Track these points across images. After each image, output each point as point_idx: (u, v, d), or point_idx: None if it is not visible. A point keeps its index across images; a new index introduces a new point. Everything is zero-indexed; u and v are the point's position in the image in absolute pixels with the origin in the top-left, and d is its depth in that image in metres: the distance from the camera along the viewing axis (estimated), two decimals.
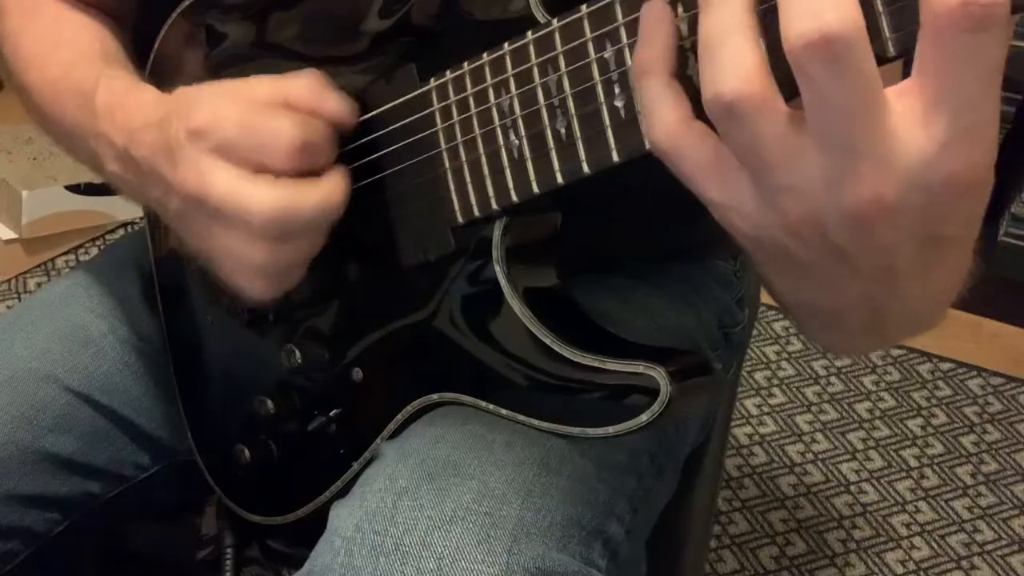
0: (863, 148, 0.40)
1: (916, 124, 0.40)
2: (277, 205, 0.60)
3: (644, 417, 0.57)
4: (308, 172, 0.61)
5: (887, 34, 0.42)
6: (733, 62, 0.42)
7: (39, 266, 2.00)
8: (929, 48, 0.39)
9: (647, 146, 0.50)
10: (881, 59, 0.42)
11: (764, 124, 0.42)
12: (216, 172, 0.60)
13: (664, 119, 0.46)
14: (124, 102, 0.69)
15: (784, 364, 1.90)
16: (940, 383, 1.88)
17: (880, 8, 0.42)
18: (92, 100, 0.70)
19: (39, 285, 1.95)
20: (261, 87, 0.63)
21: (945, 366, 1.91)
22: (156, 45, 0.78)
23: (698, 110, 0.46)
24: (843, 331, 0.54)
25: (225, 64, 0.74)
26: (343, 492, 0.68)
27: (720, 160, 0.45)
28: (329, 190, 0.62)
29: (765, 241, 0.46)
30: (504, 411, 0.63)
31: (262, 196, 0.60)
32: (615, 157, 0.53)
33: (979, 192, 0.42)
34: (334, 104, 0.63)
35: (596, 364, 0.58)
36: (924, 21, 0.39)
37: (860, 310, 0.49)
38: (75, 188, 1.95)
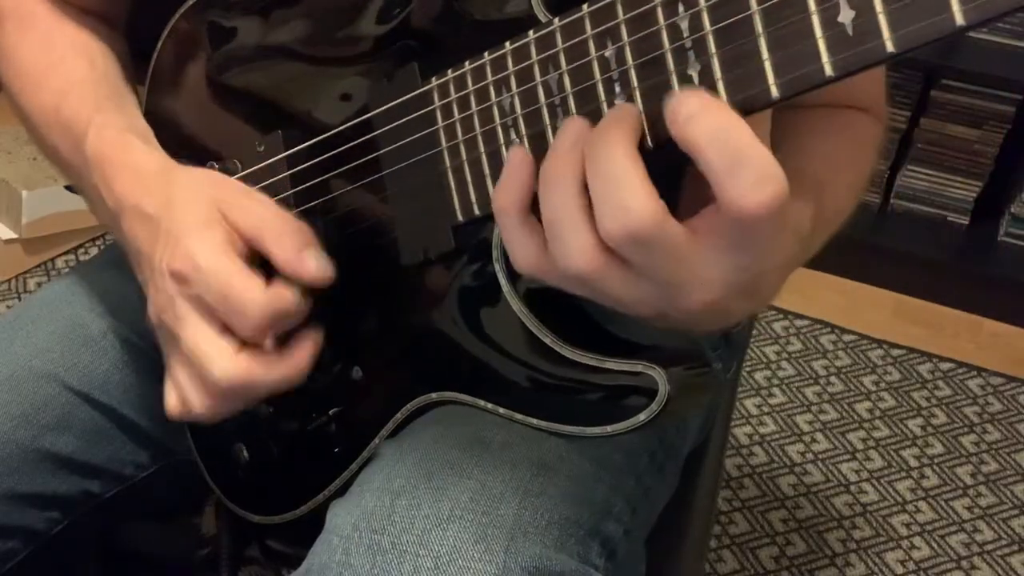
0: (686, 281, 0.50)
1: (724, 254, 0.49)
2: (236, 379, 0.63)
3: (642, 416, 0.57)
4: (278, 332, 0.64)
5: (886, 35, 0.43)
6: (575, 244, 0.50)
7: (39, 266, 1.99)
8: (728, 218, 0.46)
9: (649, 145, 0.50)
10: (883, 59, 0.43)
11: (607, 283, 0.51)
12: (188, 321, 0.63)
13: (522, 252, 0.53)
14: (113, 165, 0.70)
15: (784, 364, 1.90)
16: (940, 383, 1.88)
17: (879, 8, 0.43)
18: (82, 144, 0.72)
19: (39, 285, 1.95)
20: (247, 218, 0.64)
21: (945, 366, 1.91)
22: (157, 50, 0.78)
23: None
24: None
25: (227, 66, 0.74)
26: (341, 491, 0.68)
27: None
28: (291, 367, 0.64)
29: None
30: (502, 410, 0.63)
31: (224, 365, 0.62)
32: None
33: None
34: (313, 268, 0.64)
35: (595, 363, 0.58)
36: (723, 204, 0.46)
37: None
38: (75, 188, 1.95)
